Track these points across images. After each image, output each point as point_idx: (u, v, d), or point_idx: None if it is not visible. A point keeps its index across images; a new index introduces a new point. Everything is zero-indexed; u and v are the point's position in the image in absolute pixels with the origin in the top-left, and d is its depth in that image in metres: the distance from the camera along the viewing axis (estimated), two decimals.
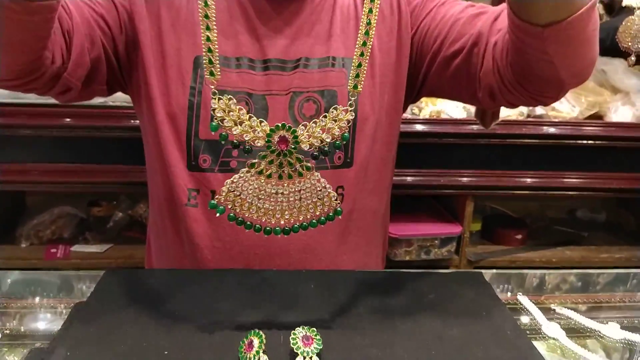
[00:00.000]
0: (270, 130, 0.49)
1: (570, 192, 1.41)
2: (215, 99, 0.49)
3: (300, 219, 0.52)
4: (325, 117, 0.50)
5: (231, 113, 0.50)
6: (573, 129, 1.35)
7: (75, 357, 0.51)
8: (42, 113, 1.22)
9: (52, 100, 0.75)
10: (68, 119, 1.24)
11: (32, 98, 1.13)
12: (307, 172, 0.50)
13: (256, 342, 0.52)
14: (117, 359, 0.51)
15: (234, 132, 0.49)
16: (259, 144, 0.49)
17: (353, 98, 0.51)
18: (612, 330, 0.60)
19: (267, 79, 0.77)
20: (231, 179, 0.51)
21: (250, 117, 0.49)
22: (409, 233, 1.38)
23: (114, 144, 1.26)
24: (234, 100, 0.50)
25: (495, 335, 0.58)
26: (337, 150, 0.48)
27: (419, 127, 1.31)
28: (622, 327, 0.61)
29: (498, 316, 0.61)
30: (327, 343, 0.54)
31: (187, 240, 0.78)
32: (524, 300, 0.66)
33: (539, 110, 1.43)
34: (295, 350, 0.51)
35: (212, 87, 0.50)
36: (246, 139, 0.49)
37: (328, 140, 0.50)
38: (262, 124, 0.49)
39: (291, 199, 0.51)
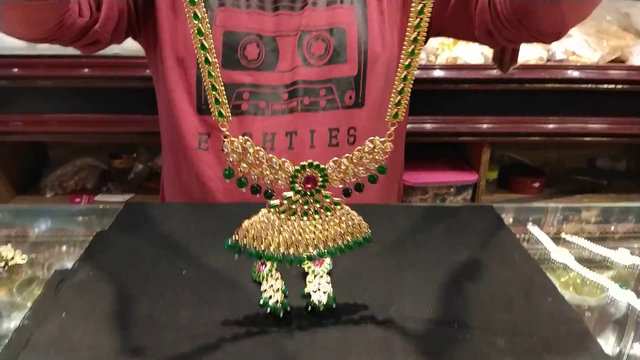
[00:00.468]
0: (295, 170, 0.43)
1: (591, 138, 1.39)
2: (227, 141, 0.43)
3: (329, 245, 0.47)
4: (359, 150, 0.44)
5: (248, 155, 0.43)
6: (596, 72, 1.31)
7: (98, 277, 0.54)
8: (60, 64, 1.24)
9: (69, 51, 0.77)
10: (86, 69, 1.25)
11: (49, 49, 1.14)
12: (335, 207, 0.45)
13: (269, 262, 0.54)
14: (139, 278, 0.54)
15: (252, 176, 0.43)
16: (282, 186, 0.44)
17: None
18: (622, 256, 0.60)
19: (277, 19, 0.77)
20: (250, 220, 0.45)
21: (270, 158, 0.43)
22: (424, 181, 1.39)
23: (132, 94, 1.28)
24: (251, 141, 0.43)
25: (503, 261, 0.59)
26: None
27: (436, 74, 1.29)
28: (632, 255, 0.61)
29: (507, 244, 0.62)
30: (337, 265, 0.56)
31: (198, 184, 0.80)
32: (533, 229, 0.67)
33: (559, 54, 1.39)
34: (306, 270, 0.53)
35: (224, 129, 0.43)
36: (267, 182, 0.43)
37: (362, 174, 0.45)
38: (285, 164, 0.43)
39: (317, 233, 0.46)
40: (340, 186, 0.44)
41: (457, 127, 1.34)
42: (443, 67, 1.29)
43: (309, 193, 0.44)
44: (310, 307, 0.50)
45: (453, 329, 0.48)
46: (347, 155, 0.44)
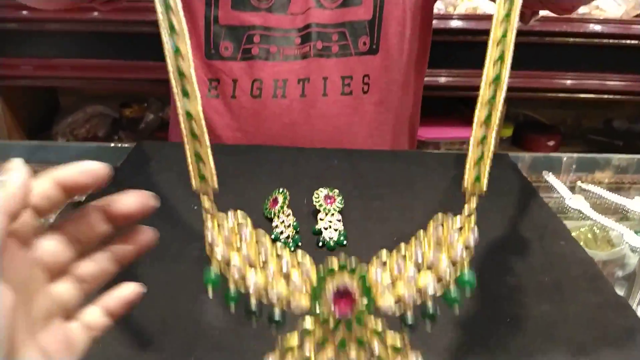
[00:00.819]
0: (319, 278, 0.26)
1: (609, 96, 1.35)
2: (208, 217, 0.28)
3: None
4: (419, 237, 0.29)
5: (240, 242, 0.28)
6: (619, 27, 1.27)
7: None
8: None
9: None
10: (96, 13, 1.23)
11: None
12: (396, 355, 0.26)
13: (280, 199, 0.53)
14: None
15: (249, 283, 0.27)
16: (296, 307, 0.26)
17: None
18: (638, 204, 0.59)
19: None
20: None
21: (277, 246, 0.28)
22: (437, 136, 1.37)
23: (143, 39, 1.25)
24: (247, 220, 0.29)
25: (517, 206, 0.58)
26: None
27: (454, 24, 1.25)
28: None
29: (521, 190, 0.61)
30: (348, 204, 0.55)
31: (207, 132, 0.79)
32: (549, 177, 0.66)
33: (582, 8, 1.34)
34: (317, 208, 0.53)
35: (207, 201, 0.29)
36: (274, 298, 0.26)
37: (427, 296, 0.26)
38: (304, 259, 0.27)
39: None
40: (394, 305, 0.26)
41: (472, 81, 1.31)
42: (462, 18, 1.25)
43: (345, 324, 0.26)
44: (321, 243, 0.50)
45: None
46: (403, 246, 0.27)
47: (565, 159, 0.72)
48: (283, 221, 0.52)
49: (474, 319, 0.41)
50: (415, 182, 0.62)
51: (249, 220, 0.28)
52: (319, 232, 0.51)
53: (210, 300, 0.37)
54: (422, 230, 0.29)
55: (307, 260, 0.27)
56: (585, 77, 1.32)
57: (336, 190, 0.55)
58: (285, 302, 0.26)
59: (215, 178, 0.28)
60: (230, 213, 0.28)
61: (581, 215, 0.59)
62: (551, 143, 1.47)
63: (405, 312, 0.26)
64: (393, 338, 0.27)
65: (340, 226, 0.52)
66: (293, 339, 0.27)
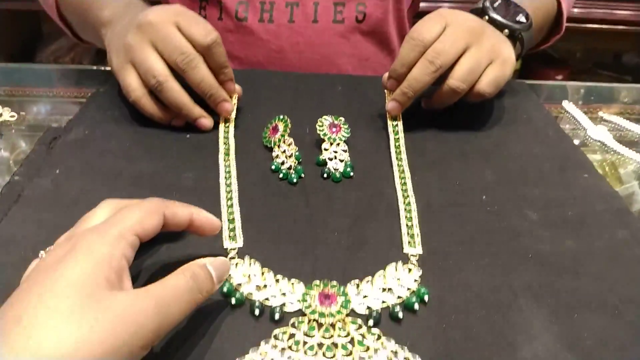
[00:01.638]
0: (307, 288, 0.34)
1: (619, 27, 1.28)
2: (232, 264, 0.36)
3: None
4: (382, 275, 0.36)
5: (253, 277, 0.36)
6: None
7: (94, 135, 0.49)
8: None
9: None
10: None
11: None
12: (373, 340, 0.32)
13: (281, 126, 0.49)
14: (139, 139, 0.49)
15: (255, 298, 0.34)
16: (290, 309, 0.34)
17: None
18: None
19: None
20: (244, 358, 0.30)
21: (278, 281, 0.36)
22: None
23: None
24: (257, 264, 0.36)
25: (536, 136, 0.54)
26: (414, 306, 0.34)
27: None
28: None
29: (540, 119, 0.57)
30: (355, 133, 0.51)
31: None
32: (569, 106, 0.61)
33: None
34: (322, 137, 0.49)
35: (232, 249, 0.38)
36: (273, 305, 0.34)
37: (393, 302, 0.34)
38: (297, 285, 0.35)
39: None
40: (365, 313, 0.34)
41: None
42: None
43: (327, 313, 0.32)
44: (325, 174, 0.46)
45: (481, 201, 0.44)
46: (367, 279, 0.36)
47: (586, 87, 0.67)
48: (284, 151, 0.48)
49: (493, 254, 0.38)
50: (428, 112, 0.57)
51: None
52: (324, 163, 0.47)
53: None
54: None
55: (300, 286, 0.35)
56: (592, 5, 1.25)
57: (342, 119, 0.50)
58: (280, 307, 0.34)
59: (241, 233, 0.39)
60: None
61: (603, 147, 0.55)
62: (559, 77, 1.41)
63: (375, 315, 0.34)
64: (369, 332, 0.32)
65: (346, 157, 0.48)
66: (285, 332, 0.32)
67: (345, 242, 0.39)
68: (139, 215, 0.30)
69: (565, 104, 0.62)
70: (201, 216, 0.34)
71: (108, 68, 0.66)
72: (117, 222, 0.29)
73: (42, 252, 0.30)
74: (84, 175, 0.44)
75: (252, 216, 0.41)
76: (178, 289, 0.28)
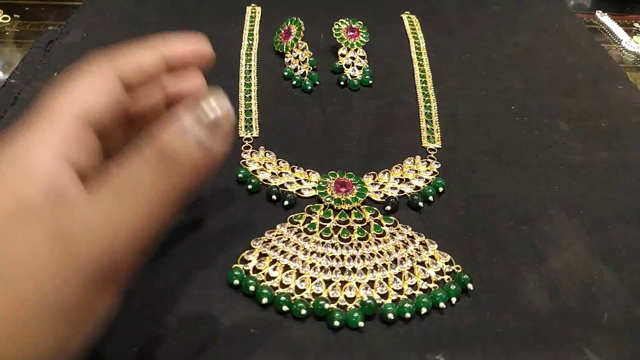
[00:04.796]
0: (323, 176, 0.33)
1: None
2: (247, 153, 0.35)
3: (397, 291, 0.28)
4: (398, 167, 0.35)
5: (269, 165, 0.34)
6: None
7: (93, 39, 0.46)
8: None
9: None
10: None
11: None
12: (388, 225, 0.31)
13: (294, 30, 0.45)
14: (134, 40, 0.46)
15: (271, 184, 0.33)
16: (307, 195, 0.33)
17: None
18: None
19: None
20: (259, 240, 0.29)
21: (294, 169, 0.34)
22: None
23: None
24: (273, 153, 0.35)
25: (567, 46, 0.50)
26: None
27: None
28: None
29: (572, 29, 0.53)
30: (374, 40, 0.47)
31: None
32: (603, 18, 0.57)
33: None
34: (338, 42, 0.45)
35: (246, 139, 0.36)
36: (289, 189, 0.33)
37: (410, 191, 0.33)
38: (312, 174, 0.34)
39: (373, 265, 0.28)
40: (382, 200, 0.33)
41: None
42: None
43: (343, 200, 0.32)
44: (342, 82, 0.43)
45: (509, 111, 0.41)
46: (385, 170, 0.34)
47: None
48: (297, 56, 0.44)
49: (522, 165, 0.36)
50: (452, 19, 0.53)
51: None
52: (340, 70, 0.44)
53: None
54: None
55: (315, 175, 0.34)
56: None
57: (360, 22, 0.46)
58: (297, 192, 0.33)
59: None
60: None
61: (638, 60, 0.51)
62: None
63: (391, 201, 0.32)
64: (385, 218, 0.31)
65: (364, 64, 0.45)
66: (301, 216, 0.31)
67: (364, 152, 0.36)
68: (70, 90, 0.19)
69: (599, 14, 0.57)
70: (181, 49, 0.23)
71: None
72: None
73: None
74: None
75: (267, 115, 0.39)
76: (143, 181, 0.17)
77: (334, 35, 0.45)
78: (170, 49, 0.22)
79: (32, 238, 0.15)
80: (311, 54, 0.44)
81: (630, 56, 0.51)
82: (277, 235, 0.29)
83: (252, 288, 0.26)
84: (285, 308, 0.25)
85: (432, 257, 0.29)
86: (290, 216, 0.31)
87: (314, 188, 0.33)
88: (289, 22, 0.46)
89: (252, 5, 0.52)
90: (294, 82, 0.43)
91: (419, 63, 0.46)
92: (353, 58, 0.45)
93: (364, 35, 0.46)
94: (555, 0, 0.58)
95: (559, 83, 0.44)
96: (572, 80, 0.45)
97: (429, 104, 0.41)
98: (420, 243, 0.30)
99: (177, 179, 0.17)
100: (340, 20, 0.46)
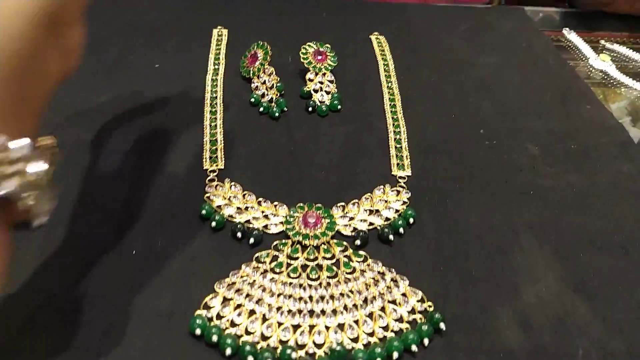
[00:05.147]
0: (291, 209, 0.32)
1: None
2: (212, 186, 0.34)
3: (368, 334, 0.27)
4: (368, 198, 0.34)
5: (234, 199, 0.33)
6: None
7: None
8: None
9: None
10: None
11: None
12: (358, 261, 0.30)
13: (260, 54, 0.44)
14: (103, 69, 0.44)
15: (236, 220, 0.32)
16: (274, 231, 0.32)
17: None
18: None
19: None
20: (224, 282, 0.28)
21: (260, 202, 0.33)
22: None
23: None
24: (239, 186, 0.34)
25: (535, 65, 0.50)
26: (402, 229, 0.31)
27: None
28: None
29: (540, 48, 0.53)
30: (343, 62, 0.46)
31: None
32: (570, 35, 0.57)
33: None
34: (306, 66, 0.44)
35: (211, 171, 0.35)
36: (255, 226, 0.31)
37: (380, 223, 0.32)
38: (280, 208, 0.33)
39: (343, 305, 0.28)
40: (351, 234, 0.32)
41: None
42: None
43: (312, 235, 0.31)
44: (311, 108, 0.42)
45: (478, 135, 0.41)
46: (354, 201, 0.33)
47: (587, 14, 0.62)
48: (264, 81, 0.43)
49: (492, 191, 0.35)
50: (422, 41, 0.52)
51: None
52: (309, 95, 0.43)
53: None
54: None
55: (284, 209, 0.33)
56: None
57: (328, 46, 0.45)
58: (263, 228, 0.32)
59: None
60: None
61: (606, 78, 0.51)
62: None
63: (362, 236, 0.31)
64: (355, 254, 0.30)
65: (333, 88, 0.44)
66: (268, 254, 0.30)
67: (333, 181, 0.36)
68: None
69: (566, 32, 0.57)
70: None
71: None
72: None
73: None
74: None
75: (233, 145, 0.38)
76: None
77: (302, 59, 0.44)
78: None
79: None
80: (278, 79, 0.43)
81: (598, 74, 0.52)
82: (242, 277, 0.28)
83: (214, 338, 0.25)
84: (250, 358, 0.24)
85: (403, 294, 0.28)
86: (257, 255, 0.30)
87: (281, 223, 0.32)
88: (256, 47, 0.45)
89: (219, 27, 0.51)
90: (261, 109, 0.41)
91: (388, 86, 0.45)
92: (321, 82, 0.44)
93: (332, 59, 0.45)
94: (524, 19, 0.58)
95: (528, 105, 0.44)
96: (540, 102, 0.45)
97: (398, 129, 0.40)
98: (391, 279, 0.29)
99: None
100: (308, 43, 0.45)
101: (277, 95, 0.42)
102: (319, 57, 0.45)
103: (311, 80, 0.44)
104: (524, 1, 0.77)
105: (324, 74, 0.44)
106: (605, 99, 0.49)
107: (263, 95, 0.42)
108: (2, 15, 0.20)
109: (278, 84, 0.43)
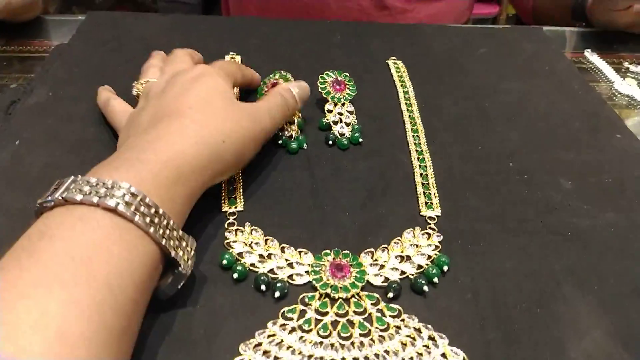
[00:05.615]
0: (317, 258, 0.30)
1: None
2: (232, 231, 0.32)
3: None
4: (397, 242, 0.32)
5: (256, 245, 0.31)
6: None
7: (58, 98, 0.42)
8: None
9: None
10: None
11: None
12: (391, 315, 0.28)
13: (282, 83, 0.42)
14: None
15: (260, 270, 0.30)
16: (299, 282, 0.30)
17: None
18: None
19: None
20: (249, 343, 0.26)
21: (284, 249, 0.31)
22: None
23: None
24: (260, 230, 0.32)
25: (560, 90, 0.48)
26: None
27: None
28: None
29: (563, 71, 0.51)
30: (362, 92, 0.44)
31: None
32: (592, 57, 0.55)
33: None
34: (324, 96, 0.42)
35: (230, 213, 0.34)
36: (279, 276, 0.29)
37: (412, 271, 0.30)
38: (304, 254, 0.31)
39: None
40: (382, 284, 0.29)
41: None
42: None
43: (341, 286, 0.29)
44: (331, 141, 0.40)
45: (508, 168, 0.39)
46: (384, 246, 0.32)
47: (607, 34, 0.61)
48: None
49: (528, 233, 0.33)
50: (442, 65, 0.51)
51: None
52: (328, 127, 0.41)
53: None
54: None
55: (309, 257, 0.31)
56: None
57: (346, 74, 0.44)
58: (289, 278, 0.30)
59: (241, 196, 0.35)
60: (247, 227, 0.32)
61: (631, 103, 0.50)
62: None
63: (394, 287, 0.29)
64: (388, 307, 0.28)
65: (353, 119, 0.42)
66: (295, 310, 0.28)
67: (358, 223, 0.34)
68: (237, 66, 0.41)
69: (588, 53, 0.56)
70: (249, 73, 0.43)
71: (74, 17, 0.58)
72: (223, 66, 0.38)
73: (135, 84, 0.38)
74: (48, 146, 0.37)
75: (252, 183, 0.36)
76: (276, 102, 0.36)
77: (320, 90, 0.42)
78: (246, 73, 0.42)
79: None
80: (300, 115, 0.41)
81: (624, 99, 0.50)
82: (269, 337, 0.26)
83: None
84: None
85: (443, 354, 0.26)
86: (283, 310, 0.28)
87: (307, 272, 0.30)
88: (276, 75, 0.43)
89: (231, 53, 0.50)
90: (279, 142, 0.40)
91: (409, 115, 0.43)
92: (341, 114, 0.42)
93: (351, 88, 0.43)
94: (544, 40, 0.57)
95: (556, 134, 0.42)
96: (569, 131, 0.43)
97: (424, 164, 0.38)
98: (429, 337, 0.27)
99: (286, 110, 0.37)
100: (326, 72, 0.43)
101: (297, 131, 0.40)
102: (338, 87, 0.43)
103: (330, 112, 0.42)
104: (538, 20, 0.75)
105: (343, 104, 0.43)
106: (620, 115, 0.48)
107: (282, 129, 0.41)
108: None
109: (300, 120, 0.41)
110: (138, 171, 0.26)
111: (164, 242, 0.25)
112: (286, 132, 0.40)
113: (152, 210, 0.25)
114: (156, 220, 0.25)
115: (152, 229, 0.24)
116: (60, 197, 0.24)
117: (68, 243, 0.22)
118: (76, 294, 0.21)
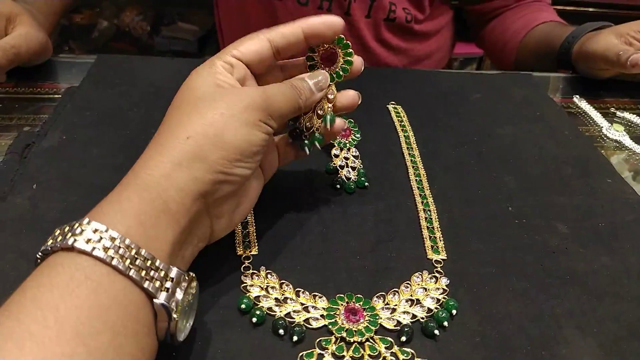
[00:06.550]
0: (331, 302, 0.32)
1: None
2: (248, 275, 0.33)
3: None
4: (407, 286, 0.33)
5: (272, 289, 0.32)
6: None
7: (71, 140, 0.44)
8: None
9: None
10: None
11: None
12: (405, 359, 0.29)
13: None
14: (119, 142, 0.44)
15: (277, 314, 0.31)
16: (315, 326, 0.31)
17: None
18: None
19: None
20: None
21: (299, 293, 0.32)
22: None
23: None
24: (275, 274, 0.33)
25: (552, 136, 0.51)
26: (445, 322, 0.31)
27: None
28: None
29: (554, 117, 0.54)
30: (366, 137, 0.47)
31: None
32: (580, 103, 0.58)
33: None
34: (331, 141, 0.44)
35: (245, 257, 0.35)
36: (296, 320, 0.31)
37: (422, 315, 0.32)
38: (319, 298, 0.32)
39: None
40: (395, 328, 0.31)
41: None
42: None
43: (355, 330, 0.30)
44: (338, 185, 0.42)
45: (507, 212, 0.41)
46: (394, 290, 0.33)
47: (594, 80, 0.64)
48: None
49: (529, 276, 0.35)
50: (436, 110, 0.53)
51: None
52: (335, 171, 0.43)
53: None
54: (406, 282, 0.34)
55: (323, 301, 0.32)
56: None
57: (351, 120, 0.46)
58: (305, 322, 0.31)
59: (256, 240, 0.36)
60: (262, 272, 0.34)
61: (619, 147, 0.52)
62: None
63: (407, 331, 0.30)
64: (401, 351, 0.30)
65: (358, 163, 0.44)
66: (312, 354, 0.29)
67: (368, 266, 0.35)
68: (235, 43, 0.33)
69: (577, 99, 0.59)
70: (314, 22, 0.33)
71: (82, 59, 0.60)
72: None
73: None
74: (64, 190, 0.38)
75: (264, 228, 0.37)
76: (282, 87, 0.32)
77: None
78: (307, 24, 0.33)
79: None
80: (331, 109, 0.41)
81: (612, 143, 0.53)
82: None
83: None
84: None
85: None
86: (301, 354, 0.29)
87: (322, 316, 0.31)
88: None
89: None
90: (292, 139, 0.40)
91: (411, 160, 0.45)
92: (347, 158, 0.44)
93: (356, 134, 0.45)
94: (533, 86, 0.60)
95: (550, 179, 0.45)
96: (561, 176, 0.45)
97: (427, 208, 0.40)
98: None
99: (298, 99, 0.33)
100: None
101: (319, 126, 0.41)
102: (343, 132, 0.45)
103: (337, 157, 0.44)
104: (522, 66, 0.79)
105: (348, 149, 0.45)
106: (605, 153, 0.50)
107: (307, 119, 0.41)
108: None
109: (331, 114, 0.42)
110: (101, 205, 0.25)
111: (131, 273, 0.23)
112: (307, 124, 0.36)
113: (117, 242, 0.23)
114: (121, 251, 0.23)
115: (114, 261, 0.22)
116: (43, 247, 0.24)
117: (37, 291, 0.21)
118: (44, 350, 0.20)
